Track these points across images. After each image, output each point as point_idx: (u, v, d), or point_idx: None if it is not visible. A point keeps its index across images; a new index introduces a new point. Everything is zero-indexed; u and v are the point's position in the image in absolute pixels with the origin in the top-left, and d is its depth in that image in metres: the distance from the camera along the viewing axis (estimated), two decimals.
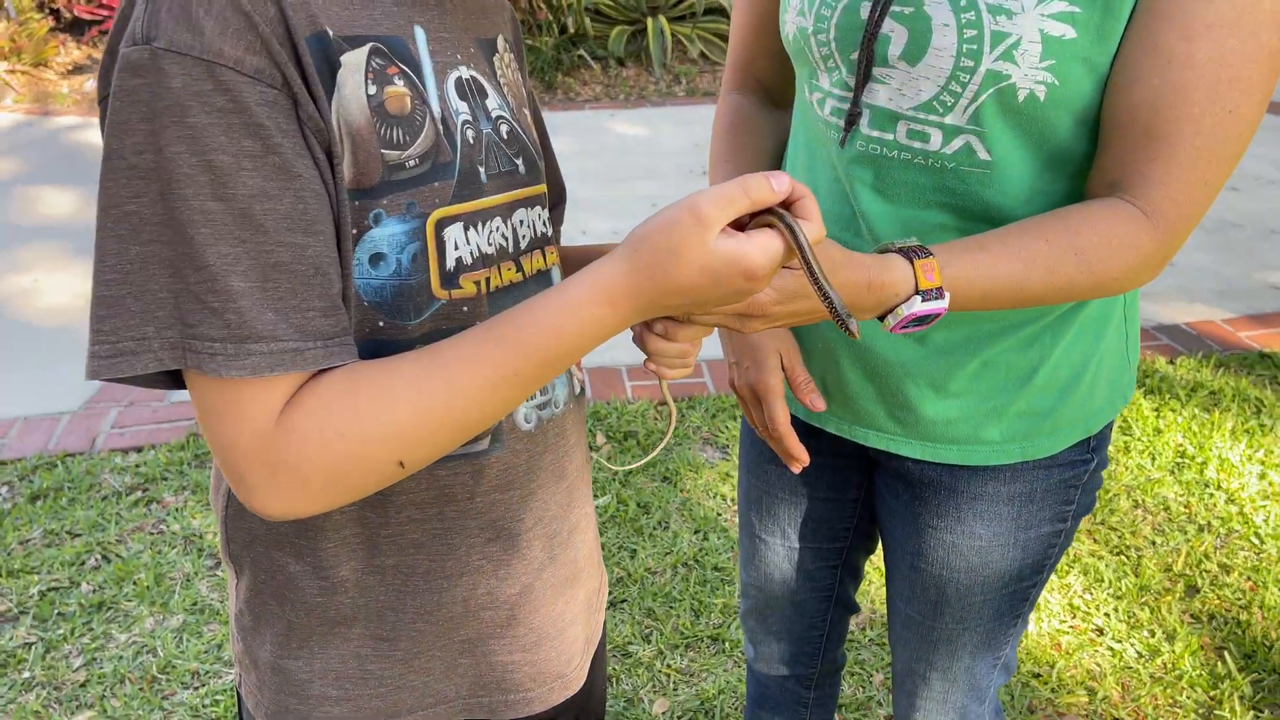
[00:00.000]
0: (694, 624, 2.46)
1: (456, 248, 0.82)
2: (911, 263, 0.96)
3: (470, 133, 0.85)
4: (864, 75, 1.06)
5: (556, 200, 1.16)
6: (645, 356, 0.94)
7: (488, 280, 0.86)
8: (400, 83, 0.79)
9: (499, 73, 0.95)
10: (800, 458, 1.21)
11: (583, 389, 1.08)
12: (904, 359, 1.17)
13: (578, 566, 1.03)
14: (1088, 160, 1.04)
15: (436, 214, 0.80)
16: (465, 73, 0.87)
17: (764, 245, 0.73)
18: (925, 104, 1.03)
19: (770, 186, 0.73)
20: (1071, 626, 2.45)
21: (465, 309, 0.84)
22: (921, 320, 0.98)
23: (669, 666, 2.36)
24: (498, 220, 0.87)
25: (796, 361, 1.22)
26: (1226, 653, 2.36)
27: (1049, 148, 1.03)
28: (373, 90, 0.76)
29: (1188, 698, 2.25)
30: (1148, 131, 0.96)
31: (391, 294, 0.79)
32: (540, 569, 0.97)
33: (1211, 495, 2.89)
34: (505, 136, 0.90)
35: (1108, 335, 1.19)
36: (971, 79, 0.99)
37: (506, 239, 0.88)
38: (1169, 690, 2.27)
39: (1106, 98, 0.98)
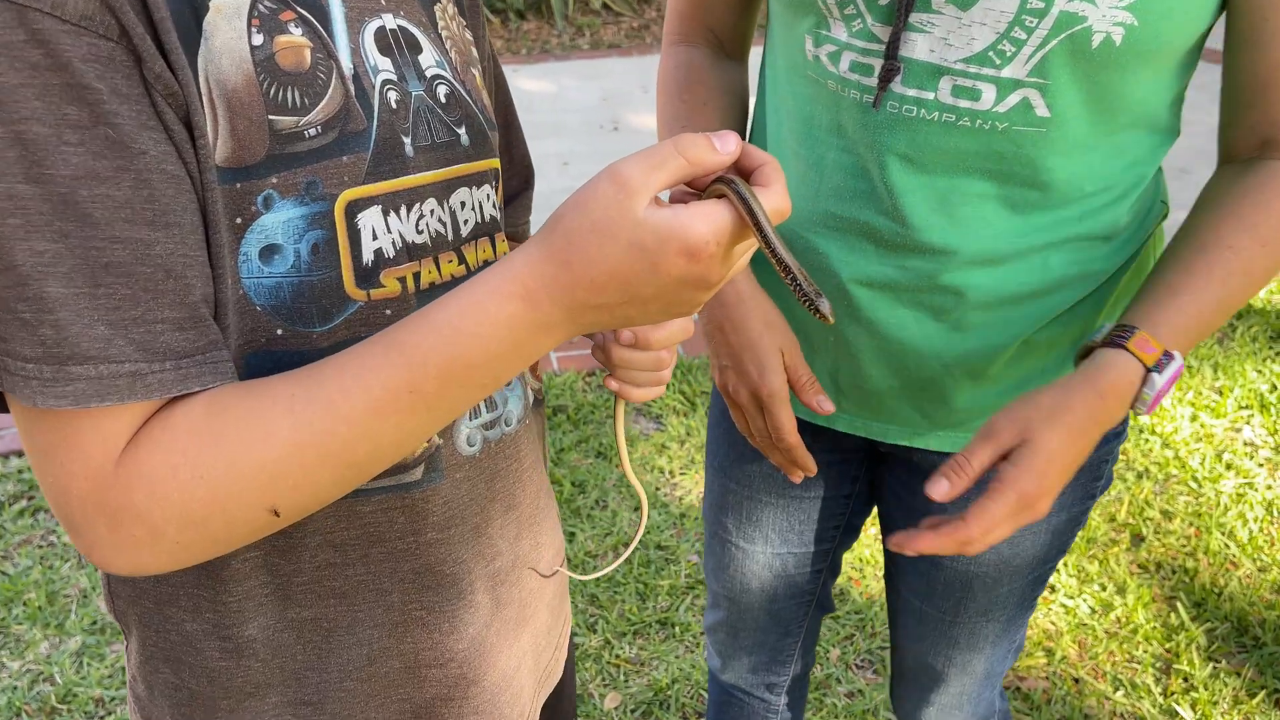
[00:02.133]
0: (640, 609, 2.35)
1: (375, 236, 0.70)
2: (1124, 348, 0.92)
3: (393, 95, 0.72)
4: (902, 22, 0.91)
5: (521, 186, 0.99)
6: (606, 372, 0.82)
7: (417, 276, 0.74)
8: (297, 31, 0.67)
9: (440, 23, 0.80)
10: (809, 469, 1.08)
11: (540, 399, 0.93)
12: (938, 349, 1.06)
13: (523, 604, 0.91)
14: (1140, 108, 0.96)
15: (346, 195, 0.69)
16: (391, 21, 0.74)
17: (706, 214, 0.60)
18: (978, 55, 0.90)
19: (711, 146, 0.61)
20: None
21: (389, 312, 0.72)
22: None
23: (618, 657, 2.24)
24: (431, 202, 0.74)
25: (799, 360, 1.09)
26: (1178, 602, 2.35)
27: (1109, 98, 0.93)
28: (259, 41, 0.65)
29: (1144, 651, 2.23)
30: None
31: (291, 294, 0.68)
32: (489, 617, 0.86)
33: (1147, 441, 2.88)
34: (443, 101, 0.77)
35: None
36: (1040, 23, 0.87)
37: (444, 225, 0.76)
38: (1125, 645, 2.24)
39: (1242, 54, 0.94)
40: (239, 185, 0.64)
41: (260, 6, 0.65)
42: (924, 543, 0.91)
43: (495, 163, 0.83)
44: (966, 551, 0.90)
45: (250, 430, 0.61)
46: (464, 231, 0.78)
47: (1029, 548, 1.19)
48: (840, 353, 1.11)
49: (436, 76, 0.77)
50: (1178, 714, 2.07)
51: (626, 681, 2.19)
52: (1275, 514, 2.58)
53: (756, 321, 1.06)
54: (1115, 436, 1.16)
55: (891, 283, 1.04)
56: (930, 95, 0.94)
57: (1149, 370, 0.91)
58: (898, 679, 1.42)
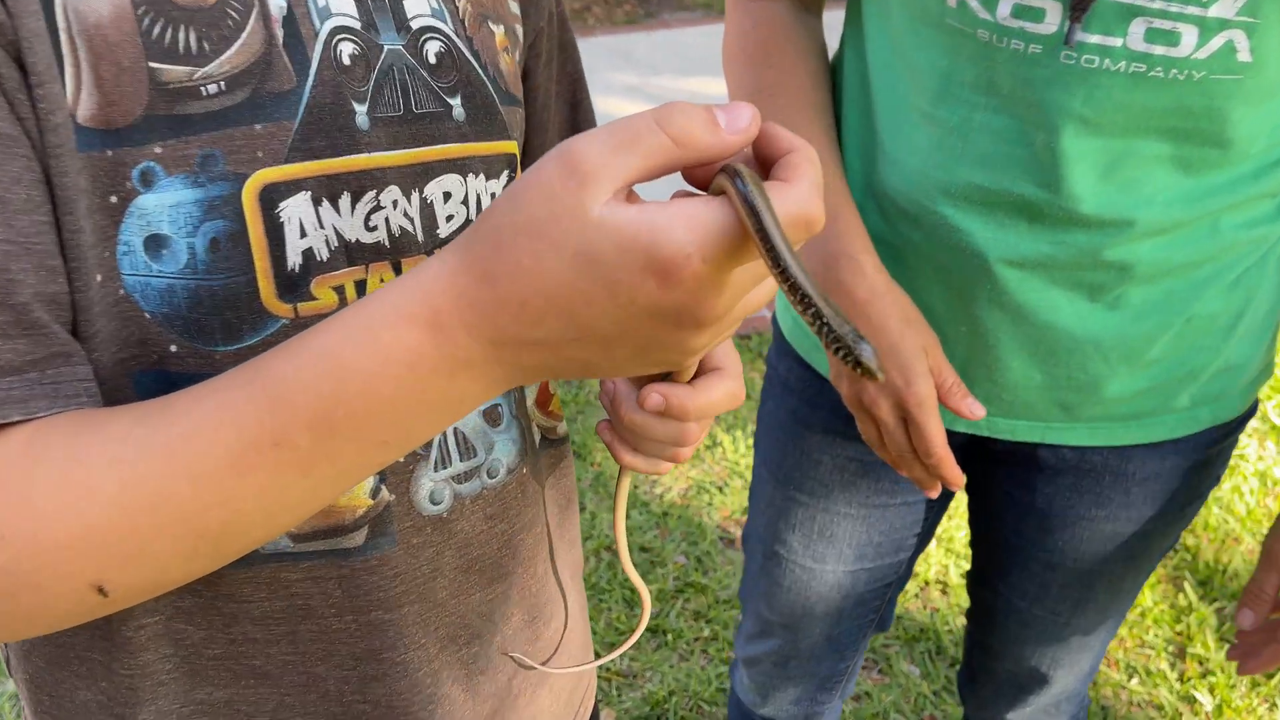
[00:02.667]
0: (629, 617, 2.17)
1: (303, 233, 0.56)
2: None
3: (347, 48, 0.57)
4: None
5: None
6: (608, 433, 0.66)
7: (362, 285, 0.59)
8: None
9: None
10: (958, 482, 0.93)
11: (557, 439, 0.75)
12: (1094, 332, 0.92)
13: (514, 694, 0.74)
14: None
15: (260, 176, 0.54)
16: None
17: (689, 215, 0.42)
18: None
19: (710, 121, 0.43)
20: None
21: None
22: None
23: (609, 670, 2.07)
24: (392, 191, 0.59)
25: (944, 360, 0.93)
26: (1184, 582, 2.28)
27: None
28: None
29: (1156, 635, 2.15)
30: None
31: (186, 301, 0.54)
32: (462, 713, 0.71)
33: None
34: (432, 61, 0.62)
35: None
36: None
37: (410, 220, 0.59)
38: (1135, 630, 2.16)
39: None
40: (110, 153, 0.51)
41: None
42: (1261, 666, 1.02)
43: (510, 146, 0.65)
44: None
45: (69, 482, 0.47)
46: (444, 230, 0.61)
47: (1157, 541, 1.10)
48: (975, 344, 0.96)
49: (427, 29, 0.61)
50: (1196, 700, 1.99)
51: (620, 696, 2.02)
52: (1270, 485, 2.54)
53: (895, 320, 0.90)
54: (1250, 413, 1.07)
55: (1046, 260, 0.90)
56: (1118, 42, 0.80)
57: None
58: (984, 683, 1.30)
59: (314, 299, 0.57)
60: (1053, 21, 0.80)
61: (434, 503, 0.65)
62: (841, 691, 1.36)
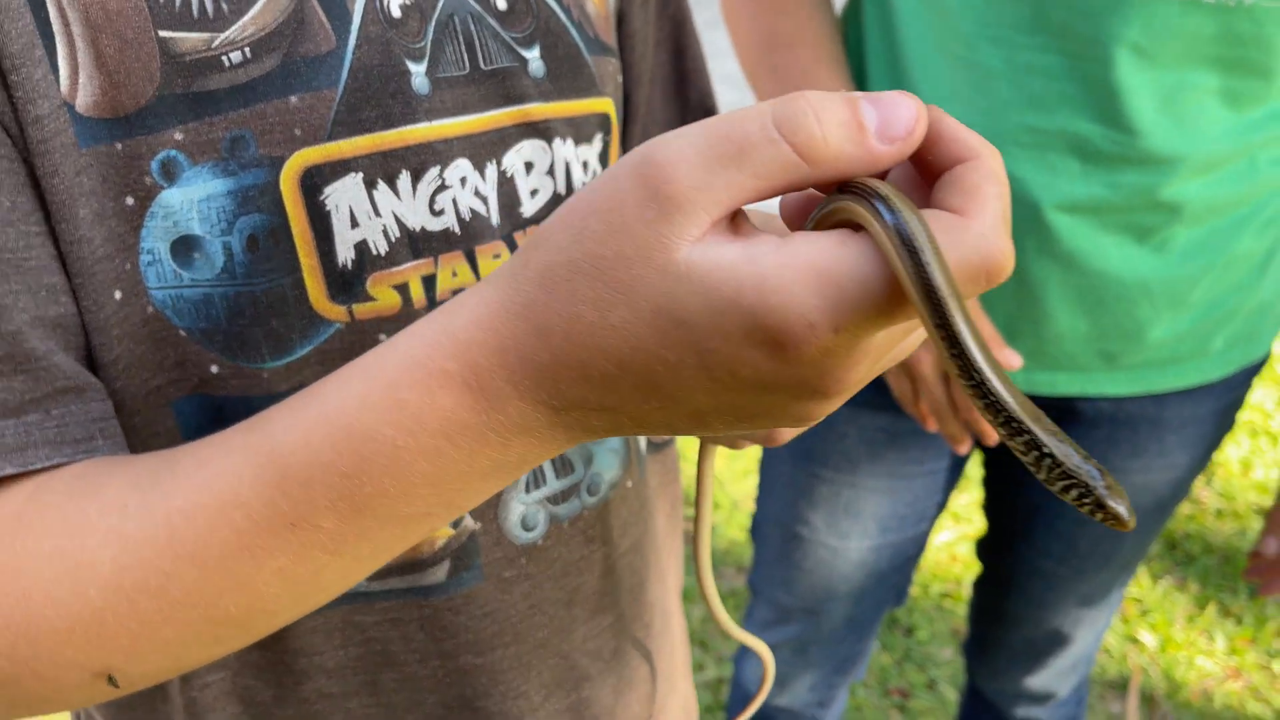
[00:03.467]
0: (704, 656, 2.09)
1: (354, 223, 0.48)
2: None
3: (394, 1, 0.48)
4: None
5: None
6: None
7: (430, 281, 0.50)
8: None
9: None
10: (994, 436, 0.90)
11: (662, 442, 0.68)
12: (1141, 274, 0.91)
13: None
14: None
15: (300, 158, 0.46)
16: None
17: (818, 270, 0.31)
18: None
19: (857, 125, 0.32)
20: (961, 534, 2.35)
21: (384, 338, 0.49)
22: None
23: None
24: (460, 166, 0.50)
25: (982, 313, 0.91)
26: None
27: None
28: None
29: None
30: None
31: (226, 312, 0.47)
32: None
33: None
34: (502, 6, 0.52)
35: None
36: None
37: (483, 200, 0.50)
38: None
39: None
40: (120, 145, 0.43)
41: None
42: None
43: (603, 104, 0.57)
44: None
45: (63, 558, 0.40)
46: (526, 208, 0.53)
47: (1185, 485, 1.11)
48: (1021, 295, 0.94)
49: None
50: (1139, 640, 2.06)
51: None
52: None
53: None
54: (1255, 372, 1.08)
55: (1099, 204, 0.88)
56: None
57: None
58: (996, 652, 1.29)
59: (372, 299, 0.49)
60: None
61: (527, 529, 0.57)
62: (855, 673, 1.33)
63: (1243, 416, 2.67)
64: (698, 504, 0.59)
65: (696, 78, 0.69)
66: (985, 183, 0.32)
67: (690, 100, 0.70)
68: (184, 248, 0.45)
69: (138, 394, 0.47)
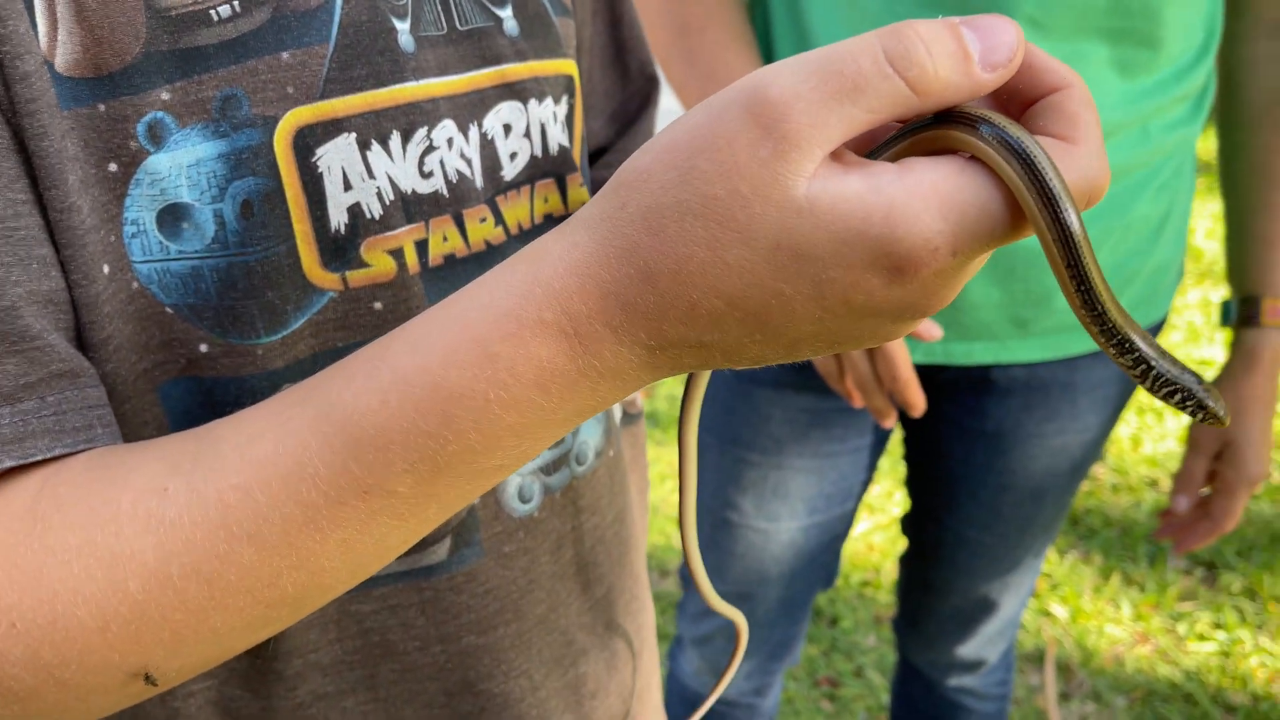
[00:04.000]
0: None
1: (348, 185, 0.46)
2: (1260, 325, 1.05)
3: None
4: None
5: (640, 106, 0.71)
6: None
7: (423, 246, 0.49)
8: None
9: None
10: (920, 405, 0.92)
11: (636, 413, 0.69)
12: None
13: (623, 715, 0.66)
14: None
15: (293, 117, 0.44)
16: None
17: (942, 194, 0.33)
18: None
19: (964, 54, 0.33)
20: (876, 524, 2.39)
21: (379, 305, 0.48)
22: None
23: None
24: (447, 127, 0.49)
25: None
26: None
27: None
28: None
29: None
30: None
31: (217, 285, 0.44)
32: None
33: None
34: None
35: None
36: None
37: (468, 162, 0.50)
38: None
39: None
40: (103, 106, 0.41)
41: None
42: (1196, 542, 1.13)
43: (568, 65, 0.57)
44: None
45: (94, 550, 0.38)
46: (506, 171, 0.52)
47: (1098, 444, 1.15)
48: None
49: None
50: (1051, 613, 2.13)
51: None
52: None
53: None
54: (1155, 331, 1.13)
55: None
56: None
57: None
58: (927, 623, 1.32)
59: (366, 265, 0.47)
60: None
61: (523, 501, 0.56)
62: (789, 658, 1.34)
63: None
64: (682, 461, 0.58)
65: (634, 45, 0.69)
66: (1084, 110, 0.34)
67: (630, 68, 0.70)
68: (171, 217, 0.43)
69: (126, 378, 0.44)
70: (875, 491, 2.48)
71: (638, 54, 0.70)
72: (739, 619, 0.66)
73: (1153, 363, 0.35)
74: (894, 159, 0.35)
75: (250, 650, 0.50)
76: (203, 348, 0.45)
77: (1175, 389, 0.35)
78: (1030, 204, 0.32)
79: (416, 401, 0.37)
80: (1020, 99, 0.36)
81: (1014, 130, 0.32)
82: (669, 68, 0.96)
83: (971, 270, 0.36)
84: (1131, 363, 0.35)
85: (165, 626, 0.39)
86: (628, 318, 0.35)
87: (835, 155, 0.34)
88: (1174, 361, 0.35)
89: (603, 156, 0.70)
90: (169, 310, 0.44)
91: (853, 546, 2.32)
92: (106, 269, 0.42)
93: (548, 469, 0.57)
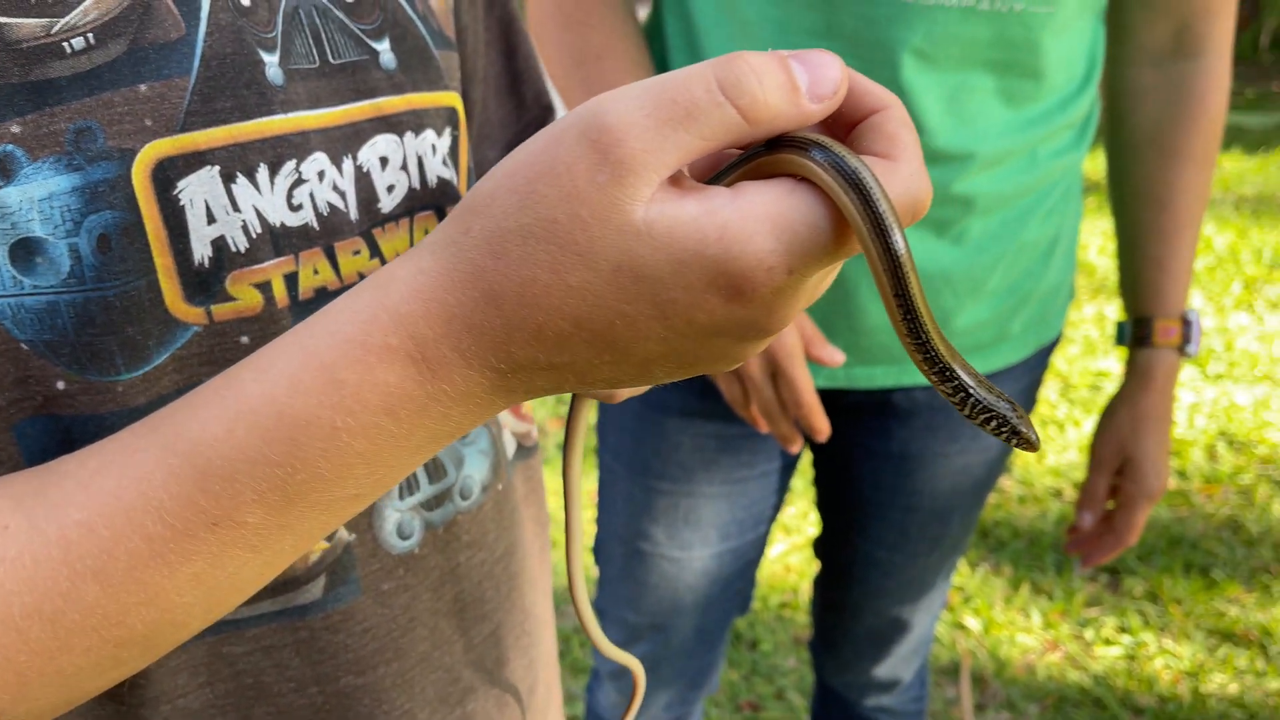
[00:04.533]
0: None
1: (211, 218, 0.45)
2: (1153, 345, 1.09)
3: None
4: None
5: (533, 129, 0.70)
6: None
7: (293, 279, 0.48)
8: None
9: None
10: (825, 430, 0.92)
11: (530, 446, 0.67)
12: (945, 267, 0.97)
13: None
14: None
15: (151, 150, 0.43)
16: None
17: (775, 215, 0.34)
18: None
19: (792, 85, 0.34)
20: (793, 545, 2.41)
21: (246, 339, 0.47)
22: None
23: None
24: (318, 159, 0.49)
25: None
26: None
27: None
28: None
29: None
30: None
31: (74, 321, 0.43)
32: None
33: None
34: (349, 0, 0.51)
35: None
36: None
37: (341, 195, 0.50)
38: None
39: None
40: None
41: None
42: (1102, 557, 1.17)
43: (450, 98, 0.57)
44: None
45: None
46: (384, 203, 0.52)
47: (999, 463, 1.17)
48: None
49: None
50: (965, 626, 2.17)
51: None
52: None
53: None
54: (1049, 353, 1.16)
55: None
56: None
57: (1185, 344, 1.09)
58: (843, 645, 1.33)
59: (231, 299, 0.46)
60: None
61: (403, 537, 0.54)
62: (708, 686, 1.33)
63: (1033, 410, 2.88)
64: (567, 499, 0.57)
65: (529, 76, 0.69)
66: (902, 129, 0.36)
67: (525, 98, 0.70)
68: (24, 251, 0.41)
69: None
70: (791, 513, 2.50)
71: (533, 84, 0.70)
72: (635, 666, 0.65)
73: (970, 390, 0.36)
74: (733, 185, 0.35)
75: (113, 696, 0.48)
76: (59, 385, 0.43)
77: (991, 416, 0.36)
78: (858, 223, 0.33)
79: (263, 430, 0.37)
80: (845, 121, 0.37)
81: (842, 153, 0.33)
82: (568, 96, 0.95)
83: (810, 289, 0.37)
84: (951, 390, 0.36)
85: (9, 669, 0.37)
86: (475, 341, 0.36)
87: (673, 180, 0.34)
88: (990, 389, 0.36)
89: None
90: (24, 346, 0.42)
91: (770, 569, 2.34)
92: None
93: (429, 504, 0.56)
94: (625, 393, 0.56)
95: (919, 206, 0.35)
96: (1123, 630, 2.13)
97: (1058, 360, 3.11)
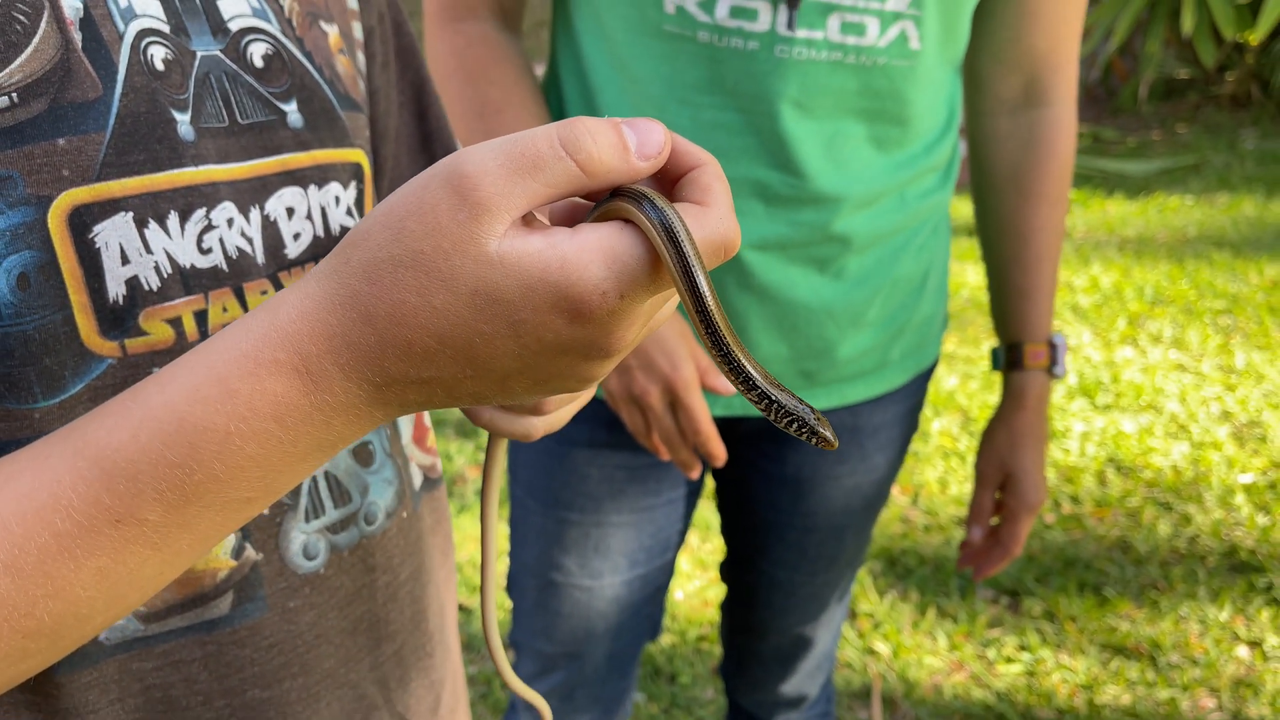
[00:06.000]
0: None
1: (125, 260, 0.50)
2: (1024, 368, 1.19)
3: (158, 52, 0.52)
4: None
5: None
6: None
7: (202, 316, 0.53)
8: None
9: None
10: (721, 455, 0.99)
11: (436, 478, 0.72)
12: (827, 302, 1.05)
13: None
14: (961, 41, 1.05)
15: (69, 197, 0.48)
16: None
17: (605, 249, 0.40)
18: None
19: (620, 145, 0.41)
20: (710, 579, 2.47)
21: (157, 371, 0.50)
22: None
23: None
24: (226, 208, 0.54)
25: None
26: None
27: (954, 31, 1.00)
28: None
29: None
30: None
31: None
32: None
33: None
34: (259, 65, 0.58)
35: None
36: None
37: (249, 241, 0.55)
38: None
39: None
40: None
41: None
42: (992, 568, 1.26)
43: (356, 154, 0.63)
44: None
45: None
46: (290, 250, 0.58)
47: (887, 482, 1.25)
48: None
49: (248, 30, 0.57)
50: (875, 651, 2.24)
51: None
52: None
53: None
54: (935, 359, 1.25)
55: (783, 241, 1.01)
56: (820, 35, 0.93)
57: (1053, 364, 1.19)
58: (751, 665, 1.39)
59: (144, 334, 0.51)
60: (765, 21, 0.92)
61: (308, 558, 0.59)
62: (622, 712, 1.37)
63: (936, 442, 3.00)
64: (484, 540, 0.62)
65: (440, 135, 0.75)
66: (715, 181, 0.43)
67: (436, 155, 0.75)
68: None
69: None
70: (709, 548, 2.56)
71: (444, 142, 0.76)
72: (541, 704, 0.70)
73: (773, 396, 0.43)
74: (595, 214, 0.43)
75: (31, 703, 0.51)
76: None
77: (792, 419, 0.43)
78: (666, 257, 0.40)
79: (164, 435, 0.41)
80: (671, 176, 0.44)
81: (661, 203, 0.40)
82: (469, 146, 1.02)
83: (645, 316, 0.43)
84: (757, 397, 0.43)
85: None
86: (353, 356, 0.41)
87: (525, 220, 0.41)
88: (791, 395, 0.43)
89: None
90: None
91: (688, 603, 2.39)
92: None
93: (334, 528, 0.60)
94: (540, 431, 0.61)
95: (729, 245, 0.42)
96: (1022, 648, 2.23)
97: (958, 395, 3.25)
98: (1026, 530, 1.24)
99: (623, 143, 0.41)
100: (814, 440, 0.43)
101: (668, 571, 1.28)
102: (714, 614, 2.35)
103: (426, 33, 1.06)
